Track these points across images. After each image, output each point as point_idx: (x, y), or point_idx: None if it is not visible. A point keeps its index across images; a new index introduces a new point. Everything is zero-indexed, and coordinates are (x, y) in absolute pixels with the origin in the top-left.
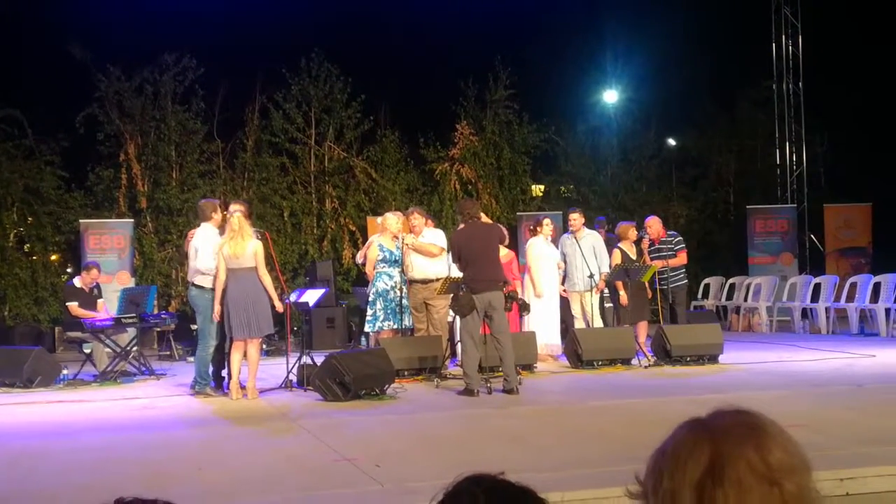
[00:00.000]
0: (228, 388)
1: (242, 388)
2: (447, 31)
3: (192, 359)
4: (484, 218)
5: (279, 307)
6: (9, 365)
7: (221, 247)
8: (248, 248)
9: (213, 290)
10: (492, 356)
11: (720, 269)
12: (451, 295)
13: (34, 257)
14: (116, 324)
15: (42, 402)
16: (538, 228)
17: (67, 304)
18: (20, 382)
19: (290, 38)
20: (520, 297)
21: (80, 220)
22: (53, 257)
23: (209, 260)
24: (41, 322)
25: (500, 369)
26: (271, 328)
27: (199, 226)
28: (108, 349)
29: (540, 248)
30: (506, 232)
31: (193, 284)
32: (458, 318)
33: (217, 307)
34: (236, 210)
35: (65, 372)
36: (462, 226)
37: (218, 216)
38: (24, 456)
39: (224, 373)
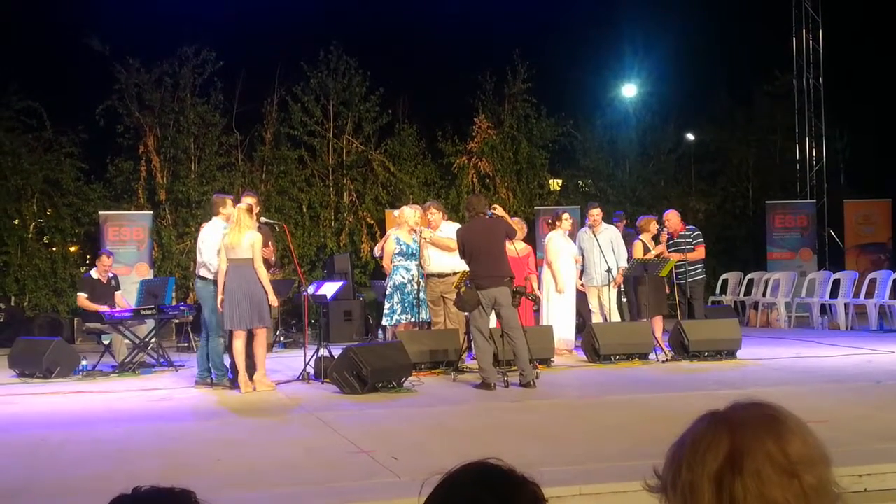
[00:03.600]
0: (238, 383)
1: (251, 380)
2: (465, 25)
3: None
4: (500, 211)
5: (273, 301)
6: (29, 355)
7: (223, 238)
8: (245, 239)
9: (215, 281)
10: (508, 350)
11: (738, 264)
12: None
13: (54, 248)
14: (135, 315)
15: (61, 392)
16: (557, 222)
17: (78, 294)
18: (40, 373)
19: (309, 31)
20: (528, 291)
21: (100, 212)
22: (73, 249)
23: (210, 254)
24: (60, 313)
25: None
26: (267, 321)
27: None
28: (126, 340)
29: (558, 242)
30: (517, 226)
31: (199, 277)
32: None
33: (220, 297)
34: (243, 202)
35: (84, 363)
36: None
37: (227, 211)
38: (44, 446)
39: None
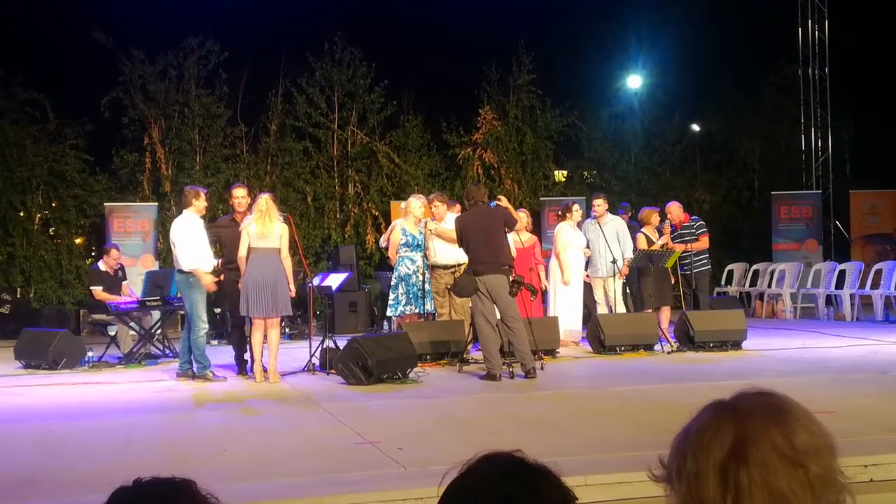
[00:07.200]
0: (252, 372)
1: (265, 370)
2: (470, 16)
3: (215, 342)
4: (505, 203)
5: (293, 292)
6: (35, 347)
7: (247, 226)
8: (276, 229)
9: (212, 273)
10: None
11: (744, 255)
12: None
13: (59, 240)
14: (141, 306)
15: (67, 383)
16: (568, 214)
17: (92, 288)
18: (46, 364)
19: (314, 23)
20: (528, 281)
21: (105, 204)
22: (78, 240)
23: (186, 247)
24: (66, 304)
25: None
26: (289, 309)
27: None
28: (132, 332)
29: (567, 233)
30: (518, 216)
31: (178, 270)
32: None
33: (239, 284)
34: (236, 192)
35: (90, 354)
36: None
37: (200, 203)
38: (50, 436)
39: (247, 356)
